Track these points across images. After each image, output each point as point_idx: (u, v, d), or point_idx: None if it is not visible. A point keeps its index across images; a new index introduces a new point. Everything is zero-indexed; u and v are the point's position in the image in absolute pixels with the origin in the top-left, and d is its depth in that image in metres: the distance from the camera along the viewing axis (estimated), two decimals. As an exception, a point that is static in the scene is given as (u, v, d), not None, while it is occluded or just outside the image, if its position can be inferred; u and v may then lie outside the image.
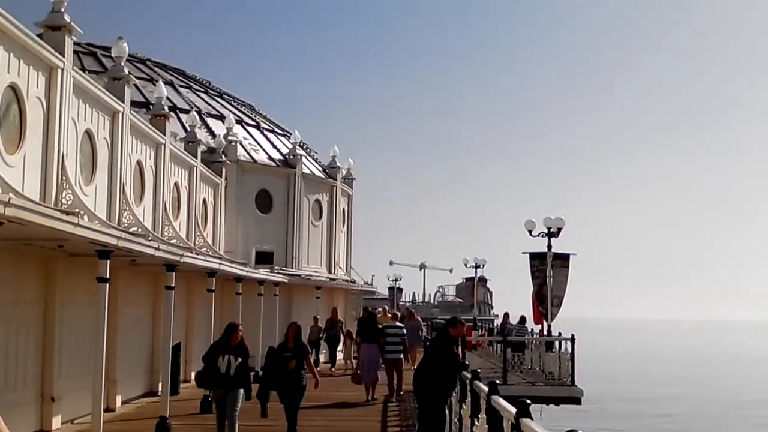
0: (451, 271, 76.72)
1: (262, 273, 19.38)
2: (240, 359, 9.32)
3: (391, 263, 75.09)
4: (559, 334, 20.28)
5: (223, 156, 22.70)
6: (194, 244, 18.29)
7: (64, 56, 11.47)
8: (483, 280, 63.63)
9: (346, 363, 21.75)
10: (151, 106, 18.92)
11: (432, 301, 79.24)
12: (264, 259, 23.51)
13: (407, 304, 69.55)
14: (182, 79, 27.67)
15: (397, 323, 16.79)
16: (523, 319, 24.94)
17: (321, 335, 22.10)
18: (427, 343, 15.42)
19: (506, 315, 25.23)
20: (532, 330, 23.58)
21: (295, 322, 11.36)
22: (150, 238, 12.38)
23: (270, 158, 25.56)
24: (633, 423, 31.73)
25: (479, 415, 9.37)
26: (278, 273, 21.97)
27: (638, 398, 39.07)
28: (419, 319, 23.17)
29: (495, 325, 41.89)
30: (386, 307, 24.04)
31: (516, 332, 23.00)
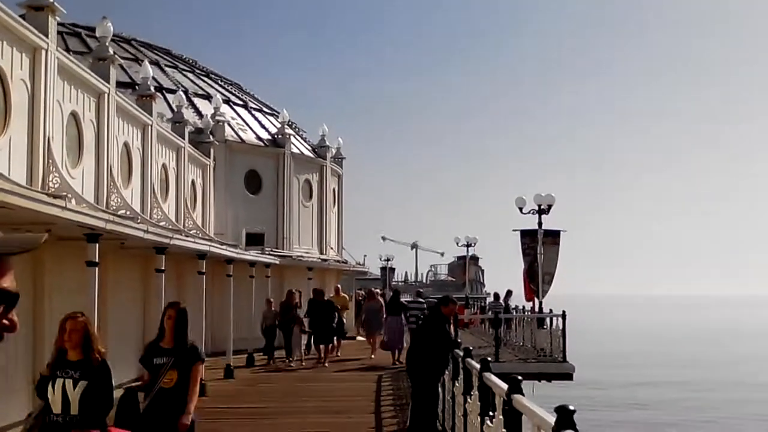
0: (442, 254, 77.06)
1: (252, 255, 19.33)
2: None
3: (383, 239, 75.33)
4: (550, 310, 20.37)
5: (211, 136, 22.53)
6: (183, 226, 18.20)
7: (47, 37, 11.30)
8: (475, 259, 63.86)
9: (301, 354, 18.13)
10: (137, 87, 18.71)
11: (424, 280, 79.54)
12: (254, 240, 23.44)
13: (399, 283, 69.81)
14: (168, 58, 27.36)
15: (419, 299, 19.83)
16: (497, 296, 25.28)
17: (276, 321, 18.41)
18: (419, 322, 15.62)
19: (508, 293, 25.38)
20: (508, 305, 23.96)
21: (177, 303, 6.72)
22: (139, 221, 12.29)
23: (258, 138, 25.38)
24: (625, 396, 32.08)
25: (471, 392, 9.43)
26: (269, 254, 21.92)
27: (629, 373, 39.47)
28: (381, 300, 20.92)
29: (486, 303, 42.16)
30: (339, 286, 22.38)
31: (493, 308, 23.54)
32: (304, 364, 17.52)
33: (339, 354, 19.10)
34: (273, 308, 18.50)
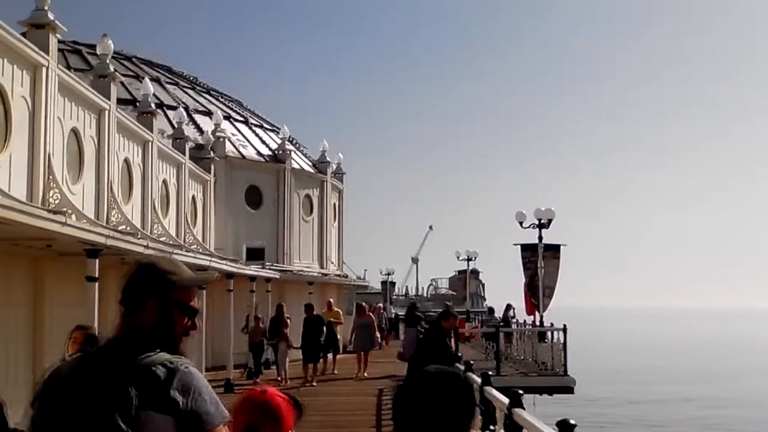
0: (431, 227, 79.31)
1: (253, 269, 19.34)
2: None
3: (430, 228, 78.01)
4: (551, 324, 20.35)
5: (212, 152, 22.61)
6: (184, 242, 18.22)
7: (48, 54, 11.39)
8: (475, 273, 63.87)
9: (286, 372, 17.06)
10: (137, 104, 18.82)
11: (425, 294, 79.48)
12: (255, 255, 23.45)
13: (400, 297, 69.74)
14: (169, 75, 27.51)
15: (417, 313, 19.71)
16: (491, 310, 25.35)
17: (264, 337, 17.51)
18: (420, 335, 15.66)
19: (508, 307, 25.37)
20: (508, 319, 24.00)
21: (87, 326, 5.68)
22: (139, 237, 12.32)
23: (259, 154, 25.47)
24: (626, 411, 31.90)
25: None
26: (269, 269, 21.93)
27: (631, 385, 39.27)
28: (371, 315, 20.48)
29: (484, 317, 42.12)
30: (331, 301, 20.85)
31: (486, 323, 23.65)
32: (288, 383, 16.29)
33: (336, 371, 18.74)
34: (261, 324, 17.63)
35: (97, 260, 9.47)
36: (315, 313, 17.71)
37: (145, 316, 2.20)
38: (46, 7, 11.66)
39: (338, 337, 19.85)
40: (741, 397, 35.59)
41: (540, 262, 22.19)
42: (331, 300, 20.98)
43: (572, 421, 4.97)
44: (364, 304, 22.43)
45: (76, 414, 1.99)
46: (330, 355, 18.84)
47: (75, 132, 12.87)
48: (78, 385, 2.03)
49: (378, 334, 21.36)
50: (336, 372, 18.67)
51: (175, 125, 21.29)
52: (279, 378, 16.88)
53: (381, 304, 38.51)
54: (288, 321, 17.52)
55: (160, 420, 1.99)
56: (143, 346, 2.10)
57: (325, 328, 17.67)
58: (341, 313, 20.77)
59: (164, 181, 18.42)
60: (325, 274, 26.82)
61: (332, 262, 28.18)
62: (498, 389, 8.17)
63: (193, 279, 2.30)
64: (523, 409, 6.52)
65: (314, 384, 16.75)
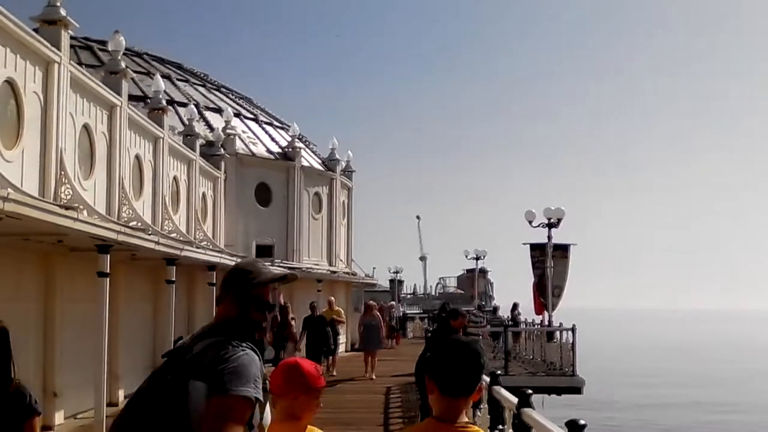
0: (418, 217, 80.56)
1: (262, 266, 19.33)
2: None
3: (417, 217, 78.31)
4: (560, 324, 20.29)
5: (222, 149, 22.67)
6: (194, 238, 18.27)
7: (60, 51, 11.43)
8: (484, 272, 63.66)
9: None
10: (148, 100, 18.86)
11: (433, 293, 79.38)
12: (264, 252, 23.50)
13: (408, 295, 69.65)
14: (180, 72, 27.58)
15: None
16: (495, 309, 25.36)
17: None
18: (428, 334, 15.62)
19: (514, 306, 25.34)
20: (516, 318, 24.02)
21: None
22: (150, 233, 12.36)
23: (269, 151, 25.52)
24: (634, 413, 31.75)
25: (481, 406, 9.39)
26: (279, 266, 21.95)
27: (639, 389, 39.08)
28: (378, 314, 19.90)
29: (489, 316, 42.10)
30: (332, 299, 19.85)
31: (490, 322, 23.71)
32: None
33: (335, 373, 17.86)
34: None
35: (108, 256, 9.51)
36: (322, 312, 17.50)
37: (227, 308, 2.63)
38: (58, 3, 11.69)
39: (339, 336, 19.00)
40: (752, 402, 35.09)
41: (549, 262, 22.13)
42: (332, 299, 20.23)
43: (582, 422, 4.94)
44: (371, 302, 21.87)
45: (158, 382, 2.49)
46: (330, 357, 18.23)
47: (87, 128, 12.92)
48: (169, 357, 2.56)
49: (384, 334, 20.98)
50: (335, 374, 17.79)
51: (186, 122, 21.34)
52: None
53: (393, 303, 38.41)
54: (293, 322, 17.10)
55: (199, 385, 2.39)
56: (224, 332, 2.53)
57: (329, 328, 17.25)
58: (342, 311, 20.16)
59: (175, 178, 18.47)
60: (334, 272, 26.84)
61: (341, 260, 28.21)
62: (506, 389, 8.14)
63: (269, 278, 2.69)
64: (533, 408, 6.49)
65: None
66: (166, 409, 2.37)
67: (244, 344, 2.50)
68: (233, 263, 16.36)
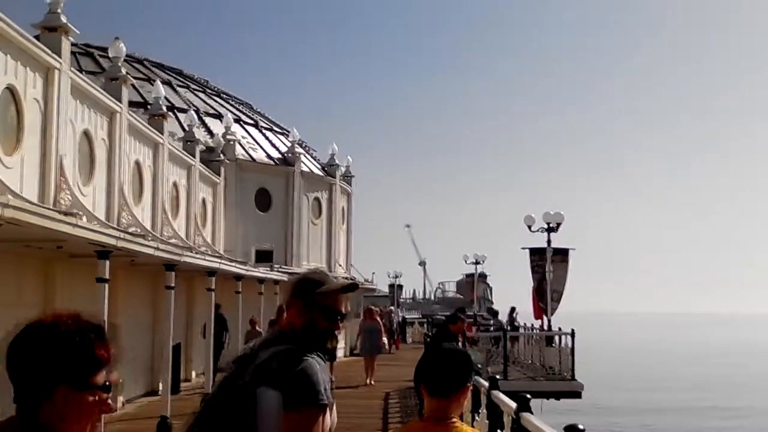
0: (408, 226, 78.93)
1: (261, 271, 19.40)
2: None
3: (407, 226, 76.54)
4: (559, 329, 20.32)
5: (222, 155, 22.72)
6: (194, 244, 18.30)
7: (61, 57, 11.48)
8: (483, 276, 63.71)
9: None
10: (149, 106, 18.92)
11: (432, 298, 79.37)
12: (264, 257, 23.53)
13: (408, 300, 69.69)
14: (180, 78, 27.66)
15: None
16: (494, 313, 25.40)
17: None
18: (428, 339, 15.61)
19: (512, 310, 25.37)
20: (514, 322, 24.06)
21: None
22: (149, 238, 12.39)
23: (269, 157, 25.57)
24: (635, 417, 31.68)
25: (480, 410, 9.41)
26: (278, 271, 21.98)
27: (639, 393, 39.03)
28: (378, 319, 19.54)
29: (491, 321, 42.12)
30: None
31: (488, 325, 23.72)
32: None
33: (333, 378, 17.81)
34: (258, 328, 16.40)
35: (107, 261, 9.53)
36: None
37: (294, 317, 2.68)
38: (59, 10, 11.75)
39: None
40: (755, 406, 34.40)
41: (548, 266, 22.16)
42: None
43: (581, 426, 4.96)
44: (372, 307, 21.61)
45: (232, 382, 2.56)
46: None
47: (87, 134, 12.96)
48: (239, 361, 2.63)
49: (385, 339, 20.86)
50: (333, 379, 17.74)
51: (186, 128, 21.40)
52: None
53: (392, 307, 38.42)
54: None
55: (272, 394, 2.44)
56: (290, 341, 2.59)
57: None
58: None
59: (175, 184, 18.51)
60: (334, 277, 26.86)
61: (340, 265, 28.24)
62: (505, 393, 8.16)
63: (334, 286, 2.77)
64: (531, 413, 6.51)
65: None
66: (236, 416, 2.45)
67: (310, 352, 2.56)
68: (234, 269, 16.32)
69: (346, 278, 22.73)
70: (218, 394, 2.56)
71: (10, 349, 1.66)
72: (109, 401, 1.69)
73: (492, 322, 23.51)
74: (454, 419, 2.63)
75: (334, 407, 2.64)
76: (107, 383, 1.68)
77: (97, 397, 1.67)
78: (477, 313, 41.25)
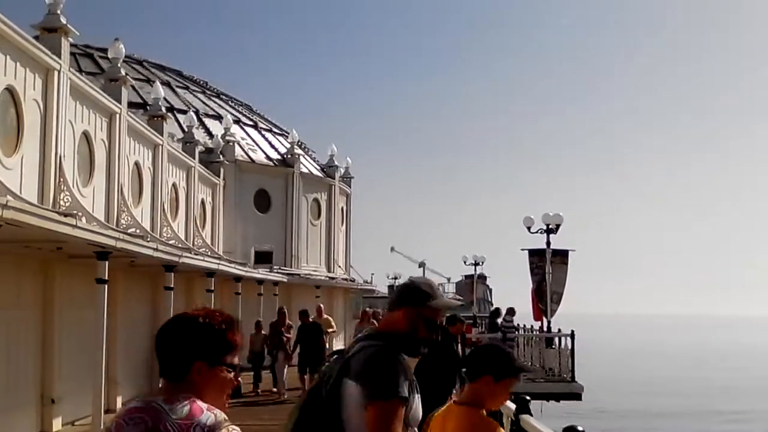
0: (449, 280, 75.73)
1: (261, 273, 19.39)
2: None
3: (392, 249, 74.73)
4: (559, 330, 20.30)
5: (221, 156, 22.71)
6: (193, 245, 18.29)
7: (60, 58, 11.48)
8: (482, 278, 63.61)
9: (283, 384, 15.54)
10: (148, 107, 18.92)
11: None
12: (263, 258, 23.52)
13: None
14: (179, 79, 27.66)
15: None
16: (497, 312, 25.41)
17: (264, 346, 16.23)
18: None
19: (510, 311, 25.30)
20: (501, 324, 24.04)
21: None
22: (148, 239, 12.39)
23: (268, 158, 25.57)
24: (635, 420, 31.61)
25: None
26: (277, 272, 21.97)
27: (641, 396, 38.94)
28: (374, 322, 18.21)
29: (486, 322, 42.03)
30: (321, 306, 18.30)
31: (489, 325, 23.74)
32: (286, 396, 15.02)
33: None
34: (263, 331, 16.21)
35: (106, 262, 9.53)
36: (311, 319, 15.87)
37: (396, 320, 2.77)
38: (58, 11, 11.75)
39: (326, 346, 16.77)
40: (760, 410, 33.95)
41: (548, 268, 22.14)
42: (322, 306, 18.86)
43: (580, 428, 4.95)
44: (367, 309, 21.02)
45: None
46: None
47: (86, 135, 12.96)
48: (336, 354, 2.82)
49: None
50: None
51: (185, 129, 21.40)
52: (273, 390, 15.56)
53: (375, 310, 38.28)
54: (290, 331, 16.09)
55: (353, 385, 2.58)
56: (386, 340, 2.69)
57: (326, 337, 16.10)
58: (332, 320, 18.72)
59: (174, 185, 18.50)
60: (333, 278, 26.85)
61: (339, 266, 28.23)
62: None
63: (443, 304, 2.89)
64: (531, 415, 6.51)
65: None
66: (325, 406, 2.61)
67: (398, 351, 2.66)
68: (233, 270, 16.28)
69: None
70: (315, 386, 2.72)
71: (159, 333, 2.08)
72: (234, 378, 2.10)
73: (500, 323, 23.35)
74: (476, 407, 3.01)
75: (418, 402, 2.73)
76: (234, 364, 2.09)
77: (226, 374, 2.07)
78: (477, 314, 41.27)
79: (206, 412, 1.99)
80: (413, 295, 2.79)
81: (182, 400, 1.99)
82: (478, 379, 3.08)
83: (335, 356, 2.78)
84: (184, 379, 2.04)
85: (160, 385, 2.14)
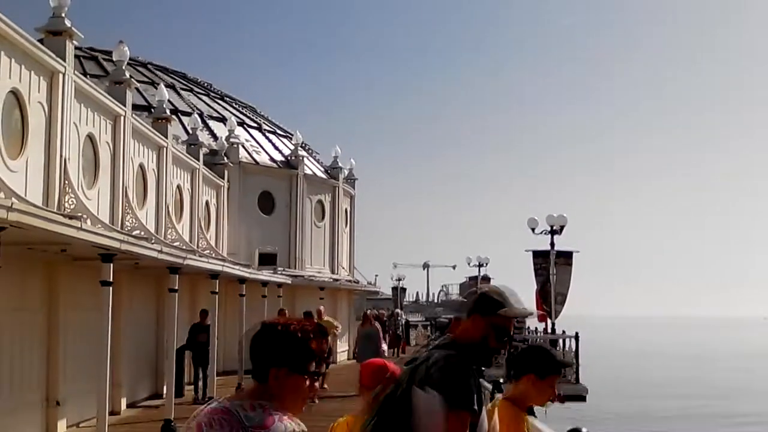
0: (454, 267, 76.08)
1: (265, 274, 19.41)
2: None
3: (395, 265, 74.61)
4: (563, 332, 20.28)
5: (226, 158, 22.75)
6: (197, 247, 18.32)
7: (65, 61, 11.51)
8: (486, 279, 63.56)
9: None
10: (152, 110, 18.96)
11: (436, 300, 79.20)
12: (267, 260, 23.54)
13: (411, 303, 69.57)
14: (183, 82, 27.71)
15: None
16: None
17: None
18: (431, 342, 15.58)
19: None
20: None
21: None
22: (153, 241, 12.41)
23: (272, 160, 25.60)
24: (639, 422, 31.52)
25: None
26: (281, 274, 22.00)
27: (645, 399, 38.83)
28: (377, 325, 18.58)
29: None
30: (321, 308, 17.87)
31: None
32: None
33: (326, 386, 15.40)
34: None
35: (111, 265, 9.55)
36: (315, 321, 16.20)
37: (468, 329, 2.82)
38: (63, 14, 11.78)
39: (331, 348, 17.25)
40: (764, 412, 34.13)
41: (552, 269, 22.15)
42: (322, 308, 18.47)
43: (584, 430, 4.95)
44: (369, 311, 20.71)
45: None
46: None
47: (91, 137, 12.99)
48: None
49: (385, 346, 19.66)
50: (326, 387, 15.48)
51: (190, 131, 21.43)
52: None
53: (398, 310, 38.27)
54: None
55: (430, 394, 2.62)
56: (458, 349, 2.73)
57: (330, 338, 16.39)
58: (333, 321, 18.19)
59: (178, 187, 18.54)
60: (336, 280, 26.86)
61: (343, 268, 28.23)
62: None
63: (514, 312, 2.88)
64: (535, 417, 6.50)
65: (315, 401, 15.01)
66: (396, 412, 2.68)
67: (471, 363, 2.71)
68: (237, 271, 16.31)
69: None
70: (390, 392, 2.77)
71: (253, 339, 2.26)
72: (316, 385, 2.24)
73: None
74: (516, 404, 3.28)
75: (485, 415, 2.78)
76: (317, 371, 2.23)
77: (308, 381, 2.20)
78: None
79: (277, 423, 2.09)
80: (483, 304, 2.83)
81: (259, 407, 2.12)
82: (522, 377, 3.28)
83: (409, 363, 2.83)
84: (266, 383, 2.18)
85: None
